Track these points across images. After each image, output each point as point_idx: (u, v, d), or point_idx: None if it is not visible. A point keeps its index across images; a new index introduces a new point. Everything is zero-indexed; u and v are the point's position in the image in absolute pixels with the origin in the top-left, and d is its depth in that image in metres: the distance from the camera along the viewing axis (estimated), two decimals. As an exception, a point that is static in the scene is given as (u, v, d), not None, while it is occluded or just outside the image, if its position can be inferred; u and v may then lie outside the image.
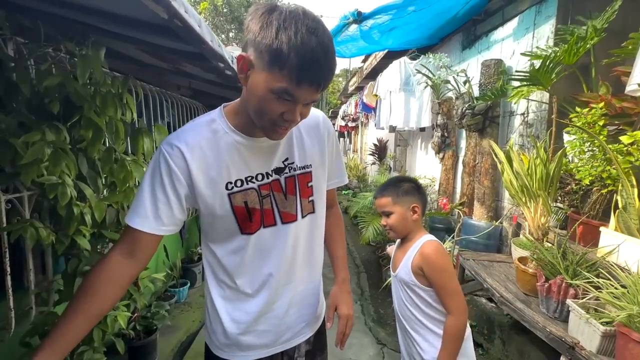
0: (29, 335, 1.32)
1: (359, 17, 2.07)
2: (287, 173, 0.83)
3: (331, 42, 0.63)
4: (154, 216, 0.72)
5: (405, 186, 1.16)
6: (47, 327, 1.35)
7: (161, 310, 2.18)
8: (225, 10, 15.28)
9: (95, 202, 1.36)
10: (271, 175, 0.81)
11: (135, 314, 2.08)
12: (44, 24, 1.20)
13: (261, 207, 0.80)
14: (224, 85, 2.04)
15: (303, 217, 0.87)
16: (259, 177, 0.80)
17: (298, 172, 0.85)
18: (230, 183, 0.76)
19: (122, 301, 1.64)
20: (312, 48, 0.59)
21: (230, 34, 16.12)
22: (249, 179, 0.78)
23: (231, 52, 1.51)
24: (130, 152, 2.01)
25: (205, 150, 0.74)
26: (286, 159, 0.83)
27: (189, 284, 3.01)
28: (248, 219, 0.79)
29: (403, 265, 1.14)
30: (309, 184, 0.87)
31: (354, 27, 2.30)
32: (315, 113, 0.89)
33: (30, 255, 1.39)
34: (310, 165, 0.87)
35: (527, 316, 1.39)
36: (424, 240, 1.12)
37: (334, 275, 1.01)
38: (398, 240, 1.25)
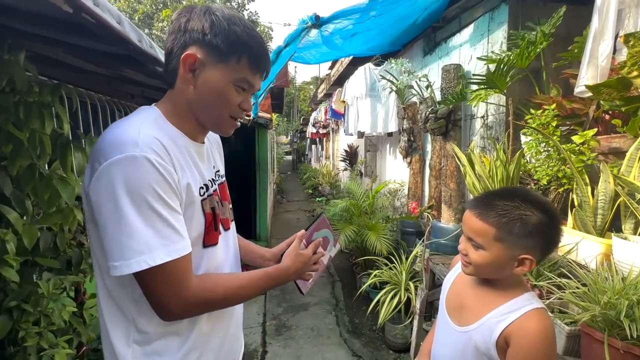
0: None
1: (318, 22, 2.04)
2: (219, 180, 0.82)
3: None
4: (179, 235, 0.60)
5: (532, 220, 0.69)
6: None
7: (114, 340, 1.97)
8: (189, 17, 14.96)
9: (22, 226, 1.19)
10: (215, 181, 0.79)
11: (83, 348, 1.86)
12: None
13: (220, 213, 0.77)
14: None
15: (231, 221, 0.85)
16: (211, 183, 0.76)
17: (223, 179, 0.85)
18: (202, 188, 0.71)
19: (63, 336, 1.45)
20: (259, 39, 0.66)
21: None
22: (207, 184, 0.75)
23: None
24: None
25: (174, 153, 0.64)
26: (214, 166, 0.82)
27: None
28: (213, 228, 0.73)
29: (483, 326, 0.75)
30: (228, 191, 0.88)
31: (314, 33, 2.27)
32: None
33: (-60, 294, 1.19)
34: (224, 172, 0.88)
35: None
36: (529, 306, 0.72)
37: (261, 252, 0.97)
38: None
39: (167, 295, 0.58)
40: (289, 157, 21.11)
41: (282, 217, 6.99)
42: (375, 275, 2.75)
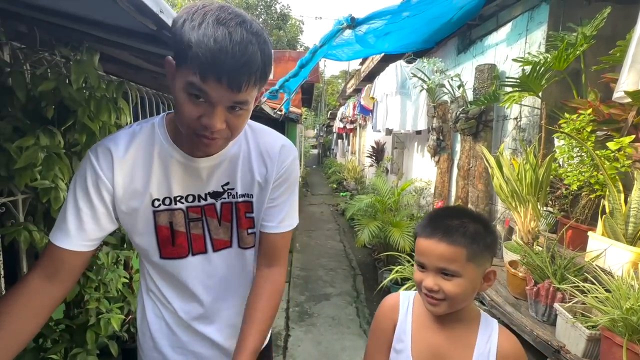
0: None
1: (353, 23, 2.10)
2: (224, 199, 0.74)
3: (254, 36, 0.55)
4: (78, 230, 0.64)
5: (482, 232, 0.70)
6: (41, 330, 1.36)
7: (156, 312, 2.19)
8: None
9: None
10: (204, 199, 0.73)
11: (130, 317, 2.09)
12: (39, 29, 1.22)
13: (187, 231, 0.73)
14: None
15: (241, 247, 0.78)
16: (189, 199, 0.72)
17: (238, 200, 0.75)
18: (158, 200, 0.69)
19: (115, 303, 1.65)
20: (216, 38, 0.51)
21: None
22: (177, 198, 0.71)
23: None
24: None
25: (138, 157, 0.67)
26: (226, 184, 0.74)
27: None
28: (170, 243, 0.72)
29: None
30: (248, 215, 0.76)
31: (348, 32, 2.33)
32: (275, 138, 0.78)
33: (24, 258, 1.41)
34: (252, 195, 0.76)
35: (515, 320, 1.41)
36: (491, 320, 0.74)
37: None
38: (421, 310, 0.76)
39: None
40: (315, 151, 21.28)
41: (306, 209, 7.14)
42: (397, 271, 2.80)
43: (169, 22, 0.66)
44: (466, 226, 0.68)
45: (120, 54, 1.22)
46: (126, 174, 0.66)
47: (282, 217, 0.77)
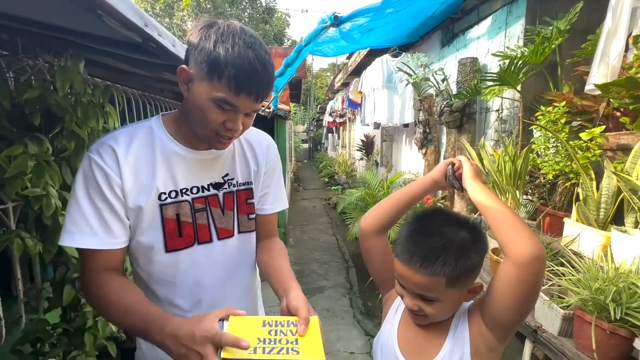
0: (20, 343, 1.35)
1: (336, 22, 2.13)
2: (226, 189, 0.81)
3: (268, 56, 0.66)
4: (104, 231, 0.67)
5: (467, 244, 0.65)
6: (38, 334, 1.38)
7: (152, 312, 2.22)
8: (208, 5, 15.11)
9: (81, 210, 1.39)
10: (207, 190, 0.79)
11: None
12: (21, 37, 1.21)
13: (194, 221, 0.77)
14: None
15: (241, 232, 0.85)
16: (194, 190, 0.77)
17: (239, 188, 0.84)
18: (164, 194, 0.73)
19: (112, 305, 1.67)
20: (249, 60, 0.62)
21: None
22: (183, 190, 0.76)
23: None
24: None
25: (140, 153, 0.71)
26: (226, 175, 0.82)
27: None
28: (177, 234, 0.76)
29: (454, 344, 0.70)
30: (249, 201, 0.86)
31: (332, 30, 2.35)
32: (263, 135, 0.92)
33: (18, 265, 1.42)
34: (252, 182, 0.86)
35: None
36: (465, 306, 0.73)
37: (284, 287, 0.78)
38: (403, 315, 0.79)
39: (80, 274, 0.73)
40: (306, 146, 21.27)
41: (298, 204, 7.19)
42: (388, 262, 2.89)
43: (154, 35, 0.69)
44: (448, 249, 0.63)
45: (105, 59, 1.23)
46: (132, 169, 0.70)
47: (275, 199, 0.92)
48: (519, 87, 1.96)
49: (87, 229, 0.66)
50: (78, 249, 0.69)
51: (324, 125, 14.44)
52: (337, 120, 9.81)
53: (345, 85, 7.80)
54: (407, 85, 3.53)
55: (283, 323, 0.62)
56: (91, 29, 0.80)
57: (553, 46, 1.75)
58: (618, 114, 1.54)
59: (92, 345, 1.49)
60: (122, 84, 2.05)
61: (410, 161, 4.30)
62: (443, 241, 0.64)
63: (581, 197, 1.47)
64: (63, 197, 1.32)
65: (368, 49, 4.41)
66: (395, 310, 0.83)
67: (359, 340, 2.51)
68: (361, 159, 7.02)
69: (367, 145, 6.39)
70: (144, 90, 2.43)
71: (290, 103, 7.87)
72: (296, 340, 0.59)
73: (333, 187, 8.20)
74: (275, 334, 0.60)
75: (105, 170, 0.67)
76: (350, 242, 4.54)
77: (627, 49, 1.48)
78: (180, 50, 0.83)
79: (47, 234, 1.37)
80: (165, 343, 0.57)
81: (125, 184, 0.69)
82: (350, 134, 9.37)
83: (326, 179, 9.71)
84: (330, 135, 14.45)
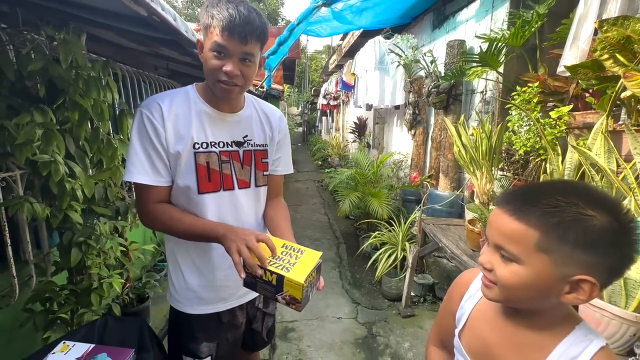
0: (31, 301, 1.46)
1: (328, 1, 2.17)
2: (245, 147, 0.98)
3: (251, 8, 0.80)
4: (153, 171, 0.85)
5: (596, 225, 0.47)
6: (47, 294, 1.49)
7: (152, 279, 2.35)
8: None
9: (85, 179, 1.49)
10: (230, 146, 0.96)
11: (128, 284, 2.25)
12: (22, 9, 1.26)
13: (220, 170, 0.94)
14: (200, 68, 2.13)
15: (257, 186, 1.02)
16: (220, 144, 0.94)
17: (255, 148, 1.00)
18: (197, 143, 0.89)
19: (114, 270, 1.79)
20: (234, 7, 0.77)
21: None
22: (212, 143, 0.92)
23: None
24: (112, 132, 2.11)
25: (179, 111, 0.88)
26: (246, 136, 0.98)
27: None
28: (207, 179, 0.92)
29: None
30: (264, 160, 1.03)
31: (325, 10, 2.39)
32: (275, 109, 1.09)
33: (27, 229, 1.52)
34: (267, 145, 1.03)
35: (469, 266, 1.65)
36: (591, 347, 0.51)
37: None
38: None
39: (137, 205, 0.92)
40: (300, 129, 21.19)
41: (292, 186, 7.31)
42: (375, 237, 3.05)
43: (159, 9, 0.77)
44: (564, 207, 0.48)
45: (104, 33, 1.29)
46: (173, 123, 0.86)
47: (286, 163, 1.12)
48: (500, 69, 2.06)
49: (141, 169, 0.84)
50: (135, 185, 0.87)
51: (318, 108, 14.37)
52: (332, 102, 9.79)
53: (340, 67, 7.77)
54: (398, 67, 3.59)
55: (295, 249, 0.82)
56: (94, 2, 0.88)
57: (533, 29, 1.84)
58: (587, 94, 1.66)
59: (99, 305, 1.61)
60: (117, 59, 2.09)
61: (400, 142, 4.41)
62: (561, 200, 0.48)
63: (548, 171, 1.61)
64: (68, 165, 1.41)
65: (361, 30, 4.42)
66: (470, 298, 0.67)
67: (347, 307, 2.70)
68: (354, 141, 7.11)
69: (360, 128, 6.47)
70: (138, 68, 2.47)
71: (284, 84, 7.84)
72: (294, 263, 0.77)
73: (326, 170, 8.31)
74: (284, 255, 0.80)
75: (153, 123, 0.84)
76: (341, 221, 4.70)
77: (596, 33, 1.58)
78: (180, 24, 0.91)
79: (52, 201, 1.46)
80: (226, 236, 0.80)
81: (168, 134, 0.85)
82: (343, 116, 9.41)
83: (320, 162, 9.80)
84: (324, 118, 14.42)
